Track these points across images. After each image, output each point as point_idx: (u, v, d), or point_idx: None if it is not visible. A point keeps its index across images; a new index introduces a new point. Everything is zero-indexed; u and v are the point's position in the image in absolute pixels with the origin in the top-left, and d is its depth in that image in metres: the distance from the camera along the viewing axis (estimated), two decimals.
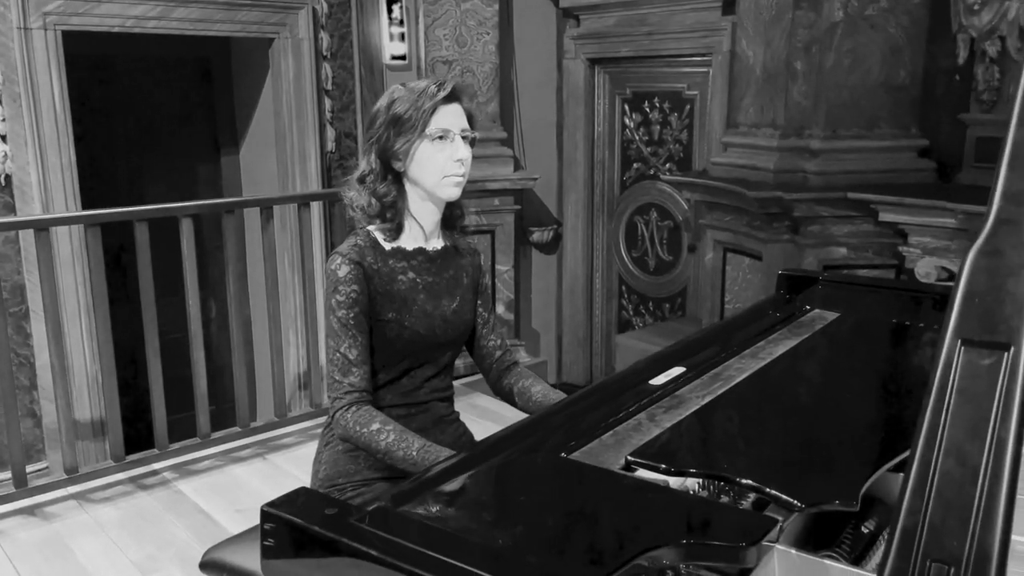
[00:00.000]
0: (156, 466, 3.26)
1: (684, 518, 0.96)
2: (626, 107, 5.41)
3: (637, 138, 5.37)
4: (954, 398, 0.72)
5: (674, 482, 1.13)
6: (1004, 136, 0.79)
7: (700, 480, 1.13)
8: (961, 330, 0.74)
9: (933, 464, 0.71)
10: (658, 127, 5.26)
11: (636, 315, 5.62)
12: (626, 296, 5.66)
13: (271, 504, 0.92)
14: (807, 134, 4.03)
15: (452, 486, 1.01)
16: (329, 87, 4.52)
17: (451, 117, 1.73)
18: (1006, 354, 0.72)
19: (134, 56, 4.76)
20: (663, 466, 1.04)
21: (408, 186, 1.77)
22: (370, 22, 4.69)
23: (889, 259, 3.96)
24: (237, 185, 4.96)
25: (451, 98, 1.73)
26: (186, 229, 3.17)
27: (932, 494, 0.71)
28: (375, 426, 1.64)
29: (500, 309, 5.33)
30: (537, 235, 5.60)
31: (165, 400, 3.25)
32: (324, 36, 4.47)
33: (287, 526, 0.89)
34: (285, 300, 4.20)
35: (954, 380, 0.73)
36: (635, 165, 5.43)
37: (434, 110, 1.70)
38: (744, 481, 0.99)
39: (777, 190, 3.92)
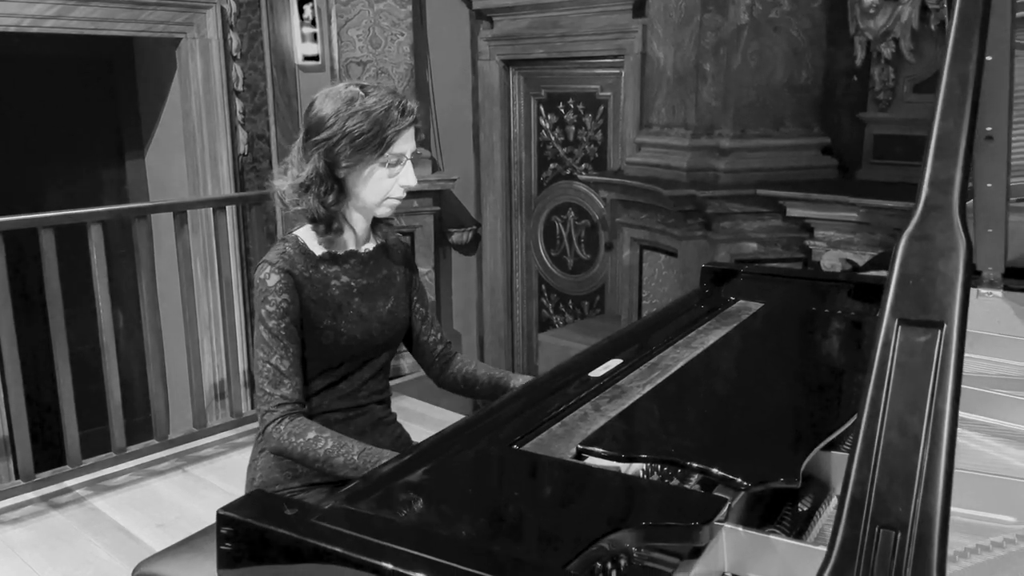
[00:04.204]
0: (69, 483, 3.12)
1: (640, 501, 0.99)
2: (541, 108, 5.47)
3: (553, 139, 5.44)
4: (894, 374, 0.77)
5: (622, 468, 1.16)
6: (930, 127, 0.84)
7: (645, 465, 1.16)
8: (897, 310, 0.79)
9: (877, 436, 0.76)
10: (573, 128, 5.34)
11: (556, 313, 5.69)
12: (546, 295, 5.73)
13: (227, 508, 0.90)
14: (717, 133, 4.16)
15: (406, 482, 1.02)
16: (240, 88, 4.42)
17: (408, 142, 1.70)
18: (940, 331, 0.77)
19: (31, 57, 4.53)
20: (614, 453, 1.07)
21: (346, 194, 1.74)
22: (281, 22, 4.61)
23: (797, 253, 4.13)
24: (143, 190, 4.79)
25: (412, 122, 1.70)
26: (95, 236, 3.04)
27: (877, 464, 0.75)
28: (311, 435, 1.61)
29: None
30: (456, 236, 5.60)
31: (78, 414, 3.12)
32: (233, 36, 4.37)
33: (246, 529, 0.88)
34: (199, 307, 4.08)
35: (893, 357, 0.78)
36: (552, 165, 5.50)
37: (397, 135, 1.66)
38: (693, 464, 1.03)
39: (690, 188, 4.04)
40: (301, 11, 4.66)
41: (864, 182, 4.06)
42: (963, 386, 1.48)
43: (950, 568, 1.06)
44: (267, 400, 1.65)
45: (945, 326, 0.76)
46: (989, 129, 1.31)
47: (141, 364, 4.63)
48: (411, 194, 5.24)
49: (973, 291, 1.85)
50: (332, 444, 1.59)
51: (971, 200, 1.55)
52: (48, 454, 3.63)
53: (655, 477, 1.11)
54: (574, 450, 1.10)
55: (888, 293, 0.80)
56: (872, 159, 4.13)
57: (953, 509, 1.15)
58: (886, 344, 0.78)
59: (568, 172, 5.40)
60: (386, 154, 1.66)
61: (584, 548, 0.83)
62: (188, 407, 3.64)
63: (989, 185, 1.44)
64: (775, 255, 4.16)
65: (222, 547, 0.89)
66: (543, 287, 5.74)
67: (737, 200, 4.04)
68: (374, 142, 1.64)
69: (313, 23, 4.73)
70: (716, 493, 1.00)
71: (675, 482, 1.08)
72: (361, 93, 1.67)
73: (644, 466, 1.15)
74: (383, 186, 1.70)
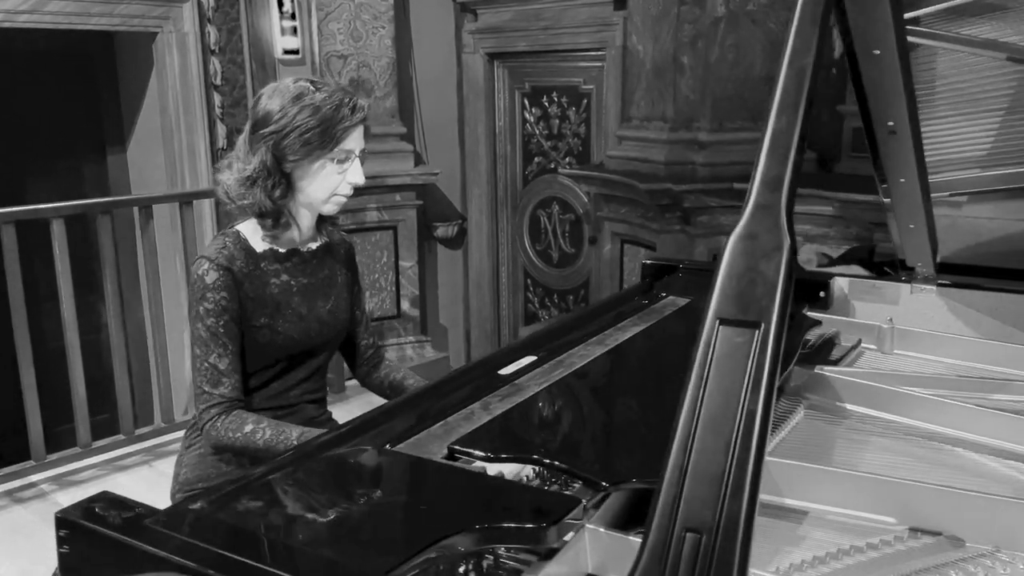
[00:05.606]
0: (33, 478, 3.13)
1: (488, 503, 0.98)
2: (526, 101, 5.45)
3: (537, 132, 5.42)
4: (711, 375, 0.76)
5: (511, 469, 1.15)
6: (765, 125, 0.83)
7: (534, 468, 1.15)
8: (719, 310, 0.77)
9: (691, 437, 0.75)
10: (557, 121, 5.31)
11: (542, 307, 5.67)
12: (531, 289, 5.71)
13: (65, 510, 0.90)
14: (695, 127, 4.13)
15: (265, 483, 1.01)
16: (218, 82, 4.41)
17: (357, 140, 1.68)
18: (757, 332, 0.75)
19: (12, 52, 4.54)
20: (480, 453, 1.05)
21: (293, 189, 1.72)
22: (260, 16, 4.59)
23: None
24: (125, 185, 4.80)
25: (361, 119, 1.68)
26: (58, 231, 3.05)
27: (689, 466, 0.74)
28: (248, 427, 1.62)
29: (405, 305, 5.31)
30: (442, 230, 5.59)
31: (56, 410, 3.13)
32: (211, 30, 4.36)
33: (79, 531, 0.87)
34: (179, 302, 4.09)
35: (711, 357, 0.76)
36: (536, 159, 5.48)
37: (345, 132, 1.65)
38: (551, 462, 1.02)
39: (667, 182, 4.01)
40: (280, 4, 4.65)
41: (842, 175, 4.03)
42: (892, 387, 1.46)
43: (828, 567, 1.05)
44: (205, 399, 1.65)
45: (763, 326, 0.75)
46: (891, 124, 1.29)
47: (128, 359, 4.66)
48: (394, 188, 5.26)
49: (907, 287, 1.83)
50: (271, 433, 1.60)
51: (888, 198, 1.53)
52: (10, 451, 3.64)
53: (534, 477, 1.09)
54: (446, 450, 1.09)
55: (712, 292, 0.78)
56: (851, 152, 4.09)
57: (834, 509, 1.14)
58: (706, 344, 0.77)
59: (552, 166, 5.38)
60: (335, 150, 1.65)
61: (414, 553, 0.82)
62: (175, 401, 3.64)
63: (902, 180, 1.42)
64: None
65: (61, 550, 0.89)
66: (528, 281, 5.72)
67: (714, 194, 4.01)
68: (323, 138, 1.63)
69: (293, 16, 4.71)
70: (576, 493, 0.99)
71: (555, 484, 1.07)
72: (311, 88, 1.66)
73: (532, 468, 1.14)
74: (331, 182, 1.69)
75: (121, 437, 3.37)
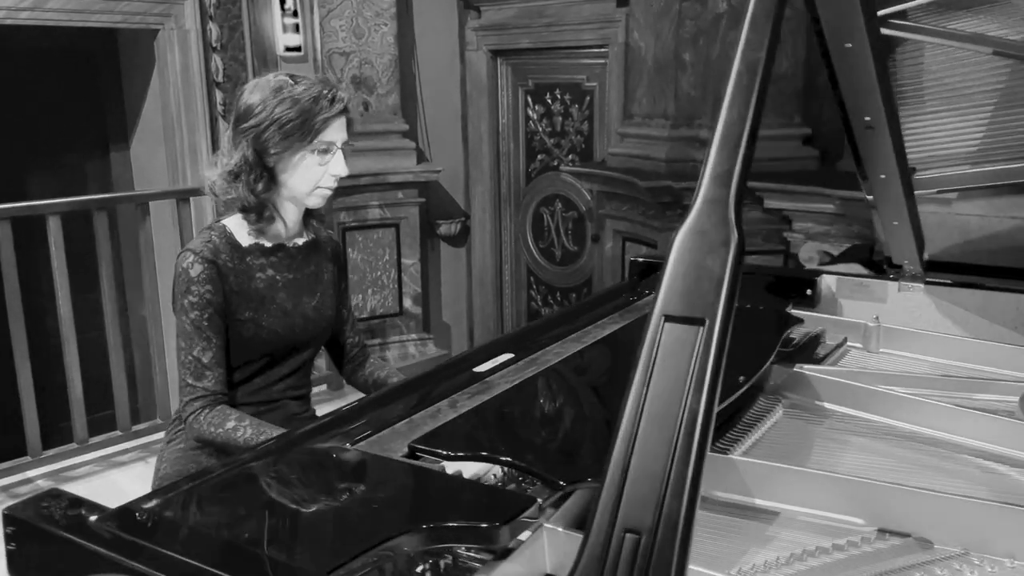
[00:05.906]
0: (30, 474, 3.14)
1: (443, 502, 0.96)
2: (529, 99, 5.43)
3: (540, 129, 5.40)
4: (655, 372, 0.74)
5: (477, 469, 1.14)
6: (716, 118, 0.81)
7: (503, 468, 1.14)
8: (665, 307, 0.76)
9: (633, 437, 0.73)
10: (560, 118, 5.29)
11: (545, 306, 5.66)
12: (535, 287, 5.70)
13: (12, 507, 0.90)
14: (697, 124, 4.10)
15: (227, 483, 1.00)
16: (220, 79, 4.42)
17: (338, 131, 1.69)
18: (701, 329, 0.74)
19: (17, 50, 4.56)
20: (438, 451, 1.04)
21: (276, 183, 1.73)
22: (262, 13, 4.60)
23: (777, 245, 4.06)
24: (129, 182, 4.82)
25: (342, 110, 1.69)
26: (54, 228, 3.06)
27: (631, 466, 0.72)
28: (230, 424, 1.63)
29: (407, 303, 5.31)
30: (444, 228, 5.58)
31: (60, 406, 3.14)
32: (213, 27, 4.36)
33: (26, 529, 0.87)
34: None
35: (656, 355, 0.75)
36: (539, 156, 5.46)
37: (325, 123, 1.66)
38: (510, 461, 1.00)
39: (668, 179, 3.99)
40: (282, 1, 4.65)
41: (845, 173, 3.98)
42: (872, 386, 1.44)
43: (792, 568, 1.04)
44: (189, 392, 1.67)
45: (707, 322, 0.73)
46: (868, 119, 1.27)
47: (139, 354, 4.68)
48: (396, 185, 5.24)
49: (894, 285, 1.81)
50: (252, 432, 1.61)
51: (871, 194, 1.51)
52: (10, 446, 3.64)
53: (501, 476, 1.08)
54: (406, 448, 1.07)
55: (659, 289, 0.77)
56: None
57: (804, 510, 1.12)
58: (652, 341, 0.75)
59: (555, 163, 5.36)
60: (315, 142, 1.66)
61: (358, 553, 0.81)
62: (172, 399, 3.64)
63: (883, 176, 1.40)
64: (755, 247, 4.09)
65: (8, 547, 0.88)
66: (532, 279, 5.71)
67: None
68: (302, 129, 1.64)
69: (295, 13, 4.71)
70: (531, 492, 0.98)
71: (512, 481, 1.05)
72: (290, 82, 1.68)
73: (500, 468, 1.13)
74: (313, 174, 1.69)
75: (118, 433, 3.38)
